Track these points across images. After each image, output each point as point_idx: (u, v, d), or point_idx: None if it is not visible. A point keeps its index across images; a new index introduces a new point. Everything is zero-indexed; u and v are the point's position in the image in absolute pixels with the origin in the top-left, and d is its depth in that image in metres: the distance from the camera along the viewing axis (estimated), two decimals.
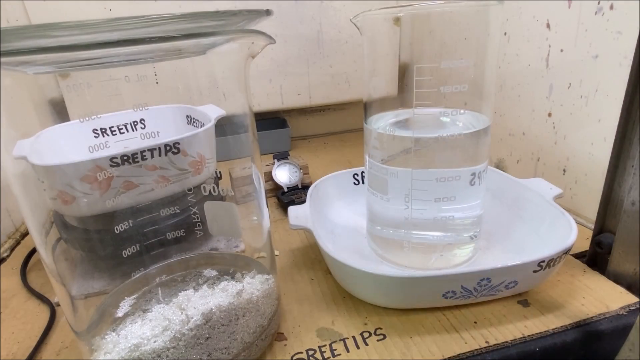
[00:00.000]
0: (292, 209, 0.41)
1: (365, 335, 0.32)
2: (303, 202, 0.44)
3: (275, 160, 0.59)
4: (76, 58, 0.22)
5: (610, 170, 0.36)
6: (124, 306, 0.31)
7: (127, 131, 0.38)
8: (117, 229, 0.31)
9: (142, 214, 0.33)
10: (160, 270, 0.34)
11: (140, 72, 0.29)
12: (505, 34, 0.56)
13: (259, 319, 0.30)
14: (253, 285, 0.30)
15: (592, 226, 0.39)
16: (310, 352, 0.31)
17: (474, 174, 0.35)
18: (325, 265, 0.41)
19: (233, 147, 0.33)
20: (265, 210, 0.33)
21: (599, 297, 0.35)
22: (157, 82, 0.31)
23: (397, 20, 0.33)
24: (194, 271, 0.35)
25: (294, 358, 0.31)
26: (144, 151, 0.33)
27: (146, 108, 0.31)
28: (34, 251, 0.47)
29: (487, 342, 0.31)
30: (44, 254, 0.27)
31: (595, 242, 0.38)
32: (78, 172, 0.31)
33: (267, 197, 0.57)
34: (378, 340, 0.32)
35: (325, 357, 0.31)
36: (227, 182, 0.38)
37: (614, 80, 0.41)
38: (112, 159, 0.31)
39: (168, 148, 0.34)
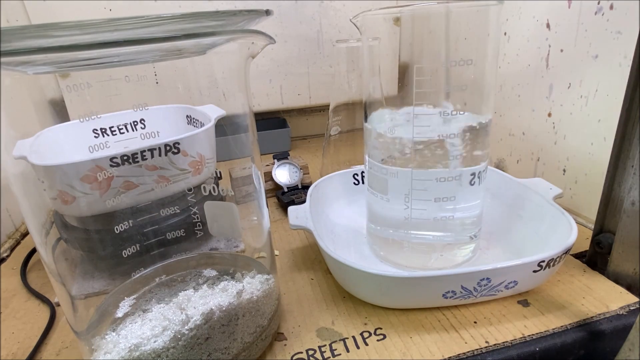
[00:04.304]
0: (292, 209, 0.41)
1: (365, 335, 0.32)
2: (303, 202, 0.44)
3: (275, 160, 0.59)
4: (76, 58, 0.22)
5: (610, 170, 0.36)
6: (124, 306, 0.31)
7: (127, 131, 0.38)
8: (117, 229, 0.31)
9: (142, 214, 0.33)
10: (160, 270, 0.34)
11: (140, 72, 0.29)
12: (505, 34, 0.56)
13: (259, 319, 0.30)
14: (253, 285, 0.30)
15: (592, 226, 0.39)
16: (310, 352, 0.31)
17: (474, 174, 0.35)
18: (325, 265, 0.41)
19: (233, 147, 0.33)
20: (265, 210, 0.33)
21: (599, 297, 0.35)
22: (157, 82, 0.31)
23: (397, 20, 0.33)
24: (194, 271, 0.35)
25: (294, 358, 0.31)
26: (144, 151, 0.33)
27: (146, 108, 0.31)
28: (34, 251, 0.47)
29: (487, 342, 0.31)
30: (44, 254, 0.27)
31: (595, 242, 0.38)
32: (78, 172, 0.31)
33: (267, 197, 0.57)
34: (378, 340, 0.32)
35: (325, 357, 0.31)
36: (227, 182, 0.38)
37: (614, 80, 0.41)
38: (112, 159, 0.31)
39: (168, 148, 0.34)
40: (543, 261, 0.31)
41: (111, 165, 0.31)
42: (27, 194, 0.27)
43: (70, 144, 0.36)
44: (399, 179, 0.36)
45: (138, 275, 0.33)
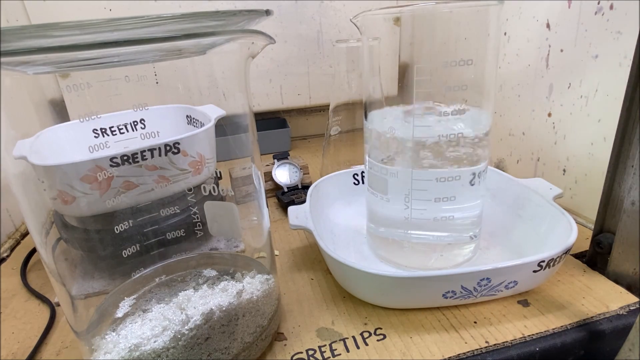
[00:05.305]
0: (292, 209, 0.41)
1: (365, 335, 0.32)
2: (303, 202, 0.44)
3: (275, 160, 0.59)
4: (76, 58, 0.22)
5: (610, 170, 0.36)
6: (124, 306, 0.31)
7: (127, 131, 0.38)
8: (117, 229, 0.31)
9: (142, 214, 0.33)
10: (160, 270, 0.34)
11: (140, 72, 0.29)
12: (505, 34, 0.56)
13: (259, 319, 0.30)
14: (253, 285, 0.30)
15: (592, 226, 0.39)
16: (310, 352, 0.31)
17: (474, 174, 0.35)
18: (325, 265, 0.41)
19: (233, 147, 0.33)
20: (265, 210, 0.33)
21: (599, 297, 0.35)
22: (157, 82, 0.31)
23: (397, 20, 0.33)
24: (194, 271, 0.35)
25: (294, 358, 0.31)
26: (144, 151, 0.33)
27: (146, 108, 0.31)
28: (34, 251, 0.47)
29: (487, 342, 0.31)
30: (44, 254, 0.27)
31: (595, 242, 0.38)
32: (78, 172, 0.31)
33: (267, 197, 0.57)
34: (378, 340, 0.32)
35: (325, 357, 0.31)
36: (227, 182, 0.38)
37: (614, 80, 0.41)
38: (112, 159, 0.31)
39: (168, 148, 0.34)
40: (543, 261, 0.31)
41: (111, 165, 0.31)
42: (27, 194, 0.27)
43: (70, 144, 0.36)
44: (399, 179, 0.36)
45: (138, 275, 0.33)
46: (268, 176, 0.58)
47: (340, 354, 0.31)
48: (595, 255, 0.39)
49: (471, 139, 0.34)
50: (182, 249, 0.36)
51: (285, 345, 0.32)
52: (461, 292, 0.32)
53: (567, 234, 0.34)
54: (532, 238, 0.39)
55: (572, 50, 0.46)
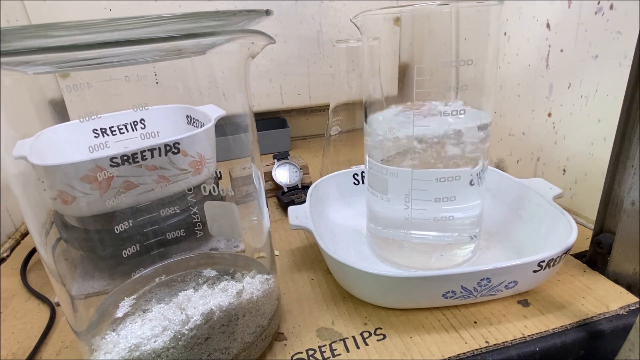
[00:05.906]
0: (292, 209, 0.41)
1: (365, 335, 0.32)
2: (303, 202, 0.44)
3: (275, 160, 0.59)
4: (76, 58, 0.22)
5: (610, 170, 0.36)
6: (124, 306, 0.31)
7: (127, 131, 0.38)
8: (117, 229, 0.31)
9: (142, 214, 0.33)
10: (160, 271, 0.34)
11: (140, 72, 0.29)
12: (505, 34, 0.56)
13: (259, 319, 0.30)
14: (253, 285, 0.30)
15: (592, 226, 0.39)
16: (310, 352, 0.31)
17: (473, 174, 0.35)
18: (325, 265, 0.41)
19: (233, 147, 0.33)
20: (265, 210, 0.33)
21: (599, 297, 0.35)
22: (157, 82, 0.31)
23: (397, 20, 0.33)
24: (194, 271, 0.35)
25: (294, 358, 0.31)
26: (144, 151, 0.33)
27: (146, 108, 0.31)
28: (34, 251, 0.47)
29: (487, 342, 0.31)
30: (44, 254, 0.27)
31: (595, 242, 0.38)
32: (78, 172, 0.31)
33: (267, 197, 0.57)
34: (378, 340, 0.32)
35: (325, 357, 0.31)
36: (227, 182, 0.38)
37: (614, 80, 0.41)
38: (112, 159, 0.31)
39: (168, 148, 0.34)
40: (543, 261, 0.31)
41: (111, 165, 0.31)
42: (27, 194, 0.27)
43: (70, 144, 0.36)
44: (399, 179, 0.36)
45: (138, 275, 0.33)
46: (268, 176, 0.58)
47: (340, 354, 0.31)
48: (595, 255, 0.39)
49: (471, 139, 0.34)
50: (182, 249, 0.36)
51: (285, 345, 0.32)
52: (461, 292, 0.32)
53: (567, 234, 0.34)
54: (532, 238, 0.39)
55: (572, 50, 0.46)
